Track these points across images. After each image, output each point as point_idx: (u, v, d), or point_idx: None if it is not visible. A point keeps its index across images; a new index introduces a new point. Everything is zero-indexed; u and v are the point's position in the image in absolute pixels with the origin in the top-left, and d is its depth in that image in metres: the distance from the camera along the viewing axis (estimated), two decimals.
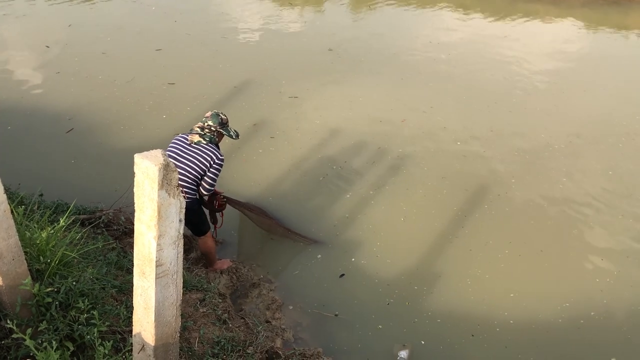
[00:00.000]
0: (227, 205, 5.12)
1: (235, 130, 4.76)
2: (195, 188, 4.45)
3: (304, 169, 6.36)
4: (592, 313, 4.68)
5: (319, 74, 8.58)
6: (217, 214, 5.14)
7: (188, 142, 4.49)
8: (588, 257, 5.23)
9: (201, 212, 4.73)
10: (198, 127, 4.57)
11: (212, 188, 4.56)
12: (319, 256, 5.25)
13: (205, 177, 4.48)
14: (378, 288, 4.92)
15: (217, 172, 4.50)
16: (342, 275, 5.05)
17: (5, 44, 9.49)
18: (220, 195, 4.98)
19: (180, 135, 4.62)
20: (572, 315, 4.66)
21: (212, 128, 4.55)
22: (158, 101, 7.63)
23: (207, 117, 4.59)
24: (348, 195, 5.97)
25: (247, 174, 6.22)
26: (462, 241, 5.40)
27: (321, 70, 8.73)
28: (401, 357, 4.25)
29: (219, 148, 4.60)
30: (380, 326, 4.56)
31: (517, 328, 4.55)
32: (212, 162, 4.44)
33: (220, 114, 4.63)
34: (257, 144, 6.75)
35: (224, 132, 4.63)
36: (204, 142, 4.48)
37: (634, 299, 4.81)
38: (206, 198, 4.71)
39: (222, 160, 4.50)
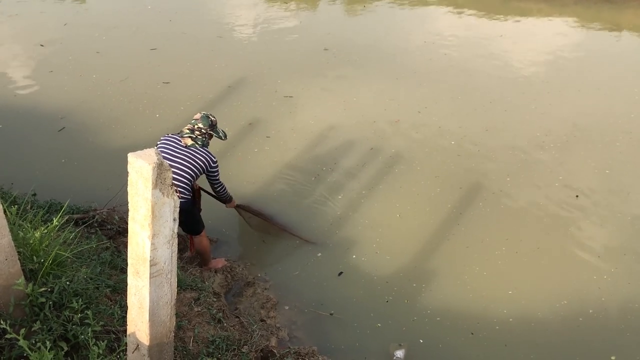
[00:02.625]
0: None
1: (223, 131, 4.82)
2: (189, 189, 4.45)
3: (298, 168, 6.35)
4: (590, 311, 4.68)
5: (314, 73, 8.56)
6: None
7: (182, 144, 4.49)
8: (585, 255, 5.23)
9: (195, 212, 4.73)
10: (188, 129, 4.58)
11: (224, 189, 4.87)
12: (319, 254, 5.25)
13: (212, 185, 4.77)
14: (377, 286, 4.93)
15: (217, 175, 4.69)
16: (341, 273, 5.05)
17: None
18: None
19: (169, 135, 4.61)
20: (571, 312, 4.67)
21: (203, 130, 4.57)
22: (152, 100, 7.61)
23: (197, 119, 4.61)
24: (343, 194, 5.97)
25: (243, 173, 6.21)
26: (459, 238, 5.40)
27: (316, 69, 8.71)
28: (397, 357, 4.24)
29: (209, 150, 4.65)
30: (379, 324, 4.56)
31: (517, 326, 4.55)
32: (208, 167, 4.52)
33: (210, 116, 4.66)
34: (253, 143, 6.74)
35: (214, 134, 4.70)
36: (198, 145, 4.51)
37: (631, 296, 4.82)
38: (230, 203, 5.12)
39: (216, 162, 4.61)
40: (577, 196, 5.93)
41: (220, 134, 4.75)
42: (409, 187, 6.07)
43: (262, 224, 5.46)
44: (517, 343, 4.41)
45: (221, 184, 4.80)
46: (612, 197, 5.96)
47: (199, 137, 4.54)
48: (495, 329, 4.53)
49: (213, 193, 4.97)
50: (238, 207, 5.35)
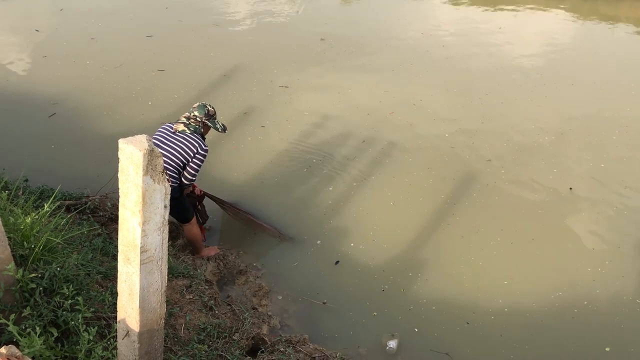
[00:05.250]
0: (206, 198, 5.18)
1: (222, 124, 4.73)
2: (177, 176, 4.43)
3: (291, 158, 6.34)
4: (584, 302, 4.70)
5: (310, 63, 8.53)
6: (199, 206, 5.08)
7: (172, 130, 4.47)
8: (579, 247, 5.24)
9: (184, 199, 4.68)
10: (184, 117, 4.56)
11: (194, 178, 4.52)
12: (319, 242, 5.25)
13: (187, 167, 4.44)
14: (373, 274, 4.92)
15: (200, 162, 4.47)
16: (337, 262, 5.05)
17: None
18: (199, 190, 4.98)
19: (166, 124, 4.61)
20: (566, 304, 4.68)
21: (198, 119, 4.53)
22: (146, 88, 7.56)
23: (194, 107, 4.59)
24: (336, 184, 5.95)
25: (236, 162, 6.19)
26: (454, 228, 5.40)
27: (313, 60, 8.68)
28: (390, 347, 4.25)
29: (204, 139, 4.56)
30: (374, 313, 4.57)
31: (512, 316, 4.56)
32: (195, 152, 4.40)
33: (208, 106, 4.62)
34: (247, 133, 6.72)
35: (210, 124, 4.61)
36: (189, 131, 4.45)
37: (626, 289, 4.83)
38: (187, 189, 4.64)
39: (206, 150, 4.47)
40: (570, 189, 5.93)
41: (218, 126, 4.65)
42: (402, 178, 6.06)
43: (241, 216, 5.41)
44: (512, 333, 4.42)
45: (195, 176, 4.51)
46: (608, 190, 5.96)
47: (192, 123, 4.49)
48: (491, 319, 4.54)
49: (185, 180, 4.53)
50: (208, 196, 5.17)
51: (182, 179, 4.49)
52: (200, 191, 5.00)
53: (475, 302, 4.67)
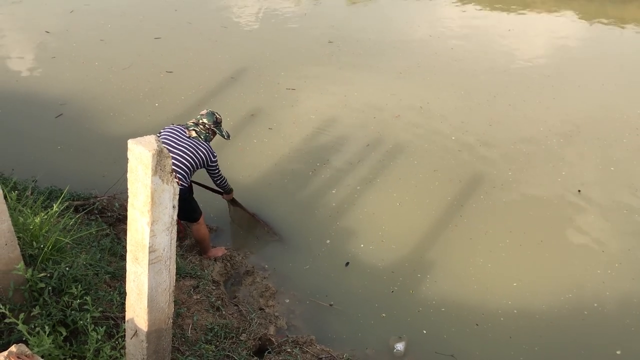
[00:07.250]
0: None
1: (227, 132, 4.92)
2: (187, 178, 4.48)
3: (298, 160, 6.34)
4: (595, 304, 4.68)
5: (317, 66, 8.53)
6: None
7: (186, 135, 4.58)
8: (588, 249, 5.22)
9: (192, 199, 4.75)
10: (192, 122, 4.71)
11: (223, 178, 4.90)
12: (328, 241, 5.26)
13: (213, 178, 4.84)
14: (382, 276, 4.93)
15: (216, 167, 4.75)
16: (348, 263, 5.04)
17: (2, 28, 9.41)
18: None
19: (175, 125, 4.71)
20: (576, 306, 4.67)
21: (207, 125, 4.69)
22: (153, 89, 7.58)
23: (203, 114, 4.75)
24: (342, 186, 5.95)
25: (242, 163, 6.20)
26: (462, 230, 5.39)
27: (320, 62, 8.68)
28: (398, 350, 4.24)
29: (210, 146, 4.74)
30: (383, 315, 4.57)
31: (521, 318, 4.55)
32: (207, 161, 4.60)
33: (216, 114, 4.79)
34: (254, 134, 6.72)
35: (217, 131, 4.79)
36: (201, 138, 4.62)
37: (636, 291, 4.81)
38: (229, 194, 5.17)
39: (215, 158, 4.70)
40: (579, 191, 5.91)
41: (224, 133, 4.84)
42: (408, 180, 6.05)
43: (245, 220, 5.46)
44: (521, 335, 4.41)
45: (221, 177, 4.88)
46: (617, 193, 5.93)
47: (202, 131, 4.64)
48: (500, 320, 4.53)
49: (211, 186, 5.13)
50: (233, 201, 5.38)
51: (217, 186, 4.99)
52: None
53: (484, 303, 4.66)
